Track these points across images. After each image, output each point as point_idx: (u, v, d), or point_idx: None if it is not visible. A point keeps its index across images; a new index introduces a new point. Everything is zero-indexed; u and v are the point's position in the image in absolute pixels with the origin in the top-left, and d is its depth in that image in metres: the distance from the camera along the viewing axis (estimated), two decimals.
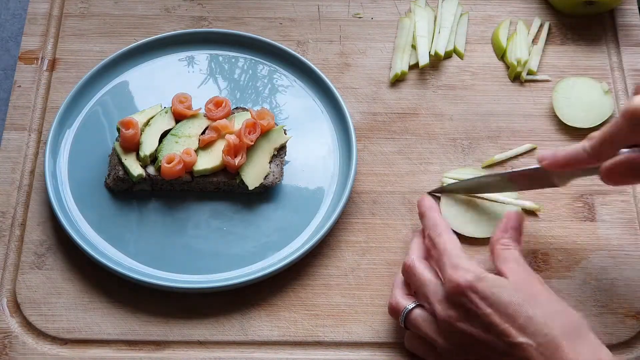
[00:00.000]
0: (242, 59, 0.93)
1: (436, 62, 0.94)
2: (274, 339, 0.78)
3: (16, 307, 0.79)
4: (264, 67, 0.92)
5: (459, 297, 0.68)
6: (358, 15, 0.97)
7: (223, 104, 0.86)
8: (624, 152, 0.69)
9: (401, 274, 0.76)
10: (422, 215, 0.78)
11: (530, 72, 0.93)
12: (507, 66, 0.93)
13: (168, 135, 0.84)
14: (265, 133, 0.84)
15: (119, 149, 0.83)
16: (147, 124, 0.85)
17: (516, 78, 0.93)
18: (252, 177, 0.82)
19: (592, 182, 0.85)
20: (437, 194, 0.84)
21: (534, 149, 0.88)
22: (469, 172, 0.85)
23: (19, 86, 0.91)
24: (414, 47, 0.94)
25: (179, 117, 0.85)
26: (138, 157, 0.83)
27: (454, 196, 0.84)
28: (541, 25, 0.96)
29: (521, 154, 0.88)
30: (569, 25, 0.97)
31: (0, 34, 1.01)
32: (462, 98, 0.91)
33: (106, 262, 0.78)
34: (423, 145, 0.88)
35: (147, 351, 0.77)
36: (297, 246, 0.81)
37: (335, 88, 0.89)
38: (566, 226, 0.83)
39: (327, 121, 0.88)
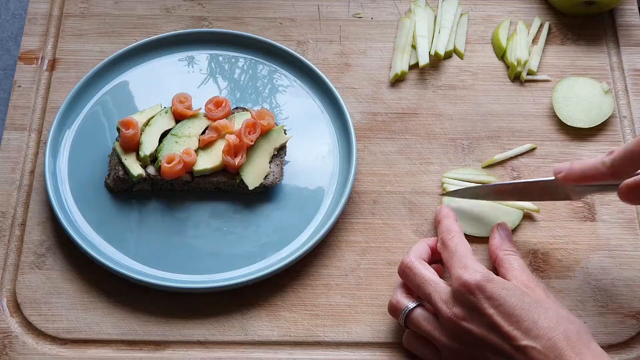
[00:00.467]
0: (242, 59, 0.93)
1: (436, 62, 0.94)
2: (274, 339, 0.77)
3: (16, 307, 0.79)
4: (264, 67, 0.92)
5: (466, 295, 0.69)
6: (358, 15, 0.97)
7: (223, 104, 0.86)
8: None
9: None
10: (438, 223, 0.79)
11: (530, 72, 0.93)
12: (507, 66, 0.93)
13: (168, 135, 0.84)
14: (265, 133, 0.84)
15: (119, 149, 0.83)
16: (147, 124, 0.85)
17: (516, 78, 0.93)
18: (252, 177, 0.82)
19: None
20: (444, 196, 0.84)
21: (534, 149, 0.88)
22: (468, 172, 0.85)
23: (19, 86, 0.91)
24: (414, 47, 0.94)
25: (179, 117, 0.85)
26: (138, 157, 0.83)
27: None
28: (541, 25, 0.96)
29: (521, 154, 0.88)
30: (569, 25, 0.97)
31: (0, 34, 1.01)
32: (462, 98, 0.91)
33: (106, 262, 0.78)
34: (423, 145, 0.88)
35: (147, 351, 0.77)
36: (297, 246, 0.81)
37: (335, 88, 0.89)
38: (566, 226, 0.83)
39: (327, 121, 0.88)
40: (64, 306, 0.79)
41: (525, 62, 0.92)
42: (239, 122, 0.85)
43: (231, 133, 0.83)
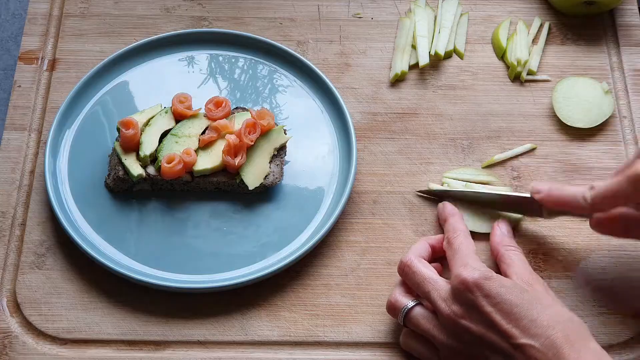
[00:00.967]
0: (242, 59, 0.93)
1: (436, 62, 0.94)
2: (274, 339, 0.77)
3: (16, 307, 0.79)
4: (264, 67, 0.92)
5: (464, 293, 0.69)
6: (358, 15, 0.97)
7: (223, 104, 0.86)
8: (619, 209, 0.72)
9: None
10: (444, 221, 0.80)
11: (530, 72, 0.93)
12: (507, 66, 0.93)
13: (168, 135, 0.84)
14: (265, 133, 0.84)
15: (119, 149, 0.83)
16: (147, 124, 0.85)
17: (516, 78, 0.93)
18: (252, 177, 0.82)
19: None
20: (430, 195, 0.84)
21: (534, 149, 0.88)
22: (469, 172, 0.85)
23: (19, 86, 0.91)
24: (414, 47, 0.94)
25: (179, 117, 0.85)
26: (138, 157, 0.83)
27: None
28: (541, 25, 0.96)
29: (521, 154, 0.88)
30: (569, 25, 0.97)
31: (0, 34, 1.01)
32: (462, 98, 0.91)
33: (106, 262, 0.78)
34: (423, 145, 0.88)
35: (147, 351, 0.77)
36: (297, 246, 0.81)
37: (335, 88, 0.89)
38: (566, 226, 0.83)
39: (327, 121, 0.88)
40: (64, 306, 0.79)
41: (525, 62, 0.92)
42: (239, 122, 0.85)
43: (231, 133, 0.83)
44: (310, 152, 0.87)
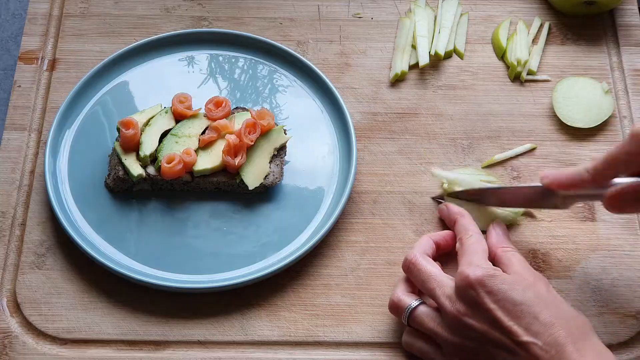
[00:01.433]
0: (242, 59, 0.93)
1: (436, 62, 0.94)
2: (274, 339, 0.78)
3: (16, 307, 0.79)
4: (264, 67, 0.92)
5: (468, 290, 0.69)
6: (358, 15, 0.97)
7: (223, 104, 0.86)
8: (629, 181, 0.69)
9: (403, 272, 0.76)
10: (453, 222, 0.80)
11: (530, 72, 0.93)
12: (507, 66, 0.93)
13: (168, 135, 0.84)
14: (265, 133, 0.84)
15: (119, 149, 0.83)
16: (147, 124, 0.85)
17: (516, 78, 0.93)
18: (252, 177, 0.82)
19: None
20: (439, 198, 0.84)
21: (534, 149, 0.88)
22: (468, 172, 0.85)
23: (19, 86, 0.91)
24: (414, 47, 0.94)
25: (179, 117, 0.85)
26: (138, 157, 0.83)
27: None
28: (541, 25, 0.96)
29: (521, 154, 0.88)
30: (569, 25, 0.97)
31: (0, 34, 1.01)
32: (462, 98, 0.91)
33: (106, 262, 0.78)
34: (423, 145, 0.88)
35: (147, 351, 0.77)
36: (297, 246, 0.81)
37: (335, 88, 0.89)
38: (566, 226, 0.83)
39: (327, 121, 0.88)
40: (64, 306, 0.79)
41: (525, 62, 0.92)
42: (239, 122, 0.85)
43: (231, 133, 0.83)
44: (310, 152, 0.87)
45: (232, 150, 0.82)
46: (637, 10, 0.97)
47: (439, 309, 0.72)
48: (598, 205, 0.84)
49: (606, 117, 0.88)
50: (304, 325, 0.78)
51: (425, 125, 0.89)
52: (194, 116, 0.85)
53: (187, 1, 0.98)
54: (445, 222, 0.82)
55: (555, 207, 0.77)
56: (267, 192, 0.84)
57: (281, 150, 0.85)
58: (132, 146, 0.83)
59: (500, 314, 0.68)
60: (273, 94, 0.91)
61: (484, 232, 0.81)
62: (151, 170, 0.83)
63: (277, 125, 0.85)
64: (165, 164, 0.81)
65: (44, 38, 0.95)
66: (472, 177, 0.83)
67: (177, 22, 0.96)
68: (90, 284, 0.80)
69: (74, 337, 0.77)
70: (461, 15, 0.97)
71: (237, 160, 0.82)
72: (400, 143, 0.88)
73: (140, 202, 0.83)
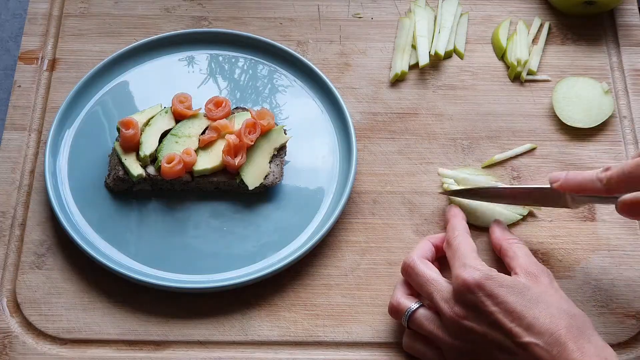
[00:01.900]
0: (242, 59, 0.93)
1: (436, 62, 0.94)
2: (274, 339, 0.77)
3: (16, 307, 0.79)
4: (264, 67, 0.92)
5: (466, 294, 0.69)
6: (358, 15, 0.97)
7: (223, 104, 0.86)
8: None
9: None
10: (447, 223, 0.80)
11: (530, 72, 0.93)
12: (507, 66, 0.93)
13: (168, 135, 0.84)
14: (265, 133, 0.84)
15: (119, 149, 0.83)
16: (147, 124, 0.85)
17: (516, 78, 0.93)
18: (252, 177, 0.82)
19: None
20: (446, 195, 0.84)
21: (534, 149, 0.88)
22: (469, 172, 0.85)
23: (19, 86, 0.91)
24: (414, 47, 0.94)
25: (179, 117, 0.85)
26: (138, 157, 0.83)
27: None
28: (541, 25, 0.96)
29: (521, 154, 0.88)
30: (569, 25, 0.97)
31: (0, 34, 1.01)
32: (462, 98, 0.91)
33: (106, 262, 0.78)
34: (423, 145, 0.88)
35: (147, 351, 0.77)
36: (297, 246, 0.81)
37: (335, 88, 0.89)
38: (566, 226, 0.83)
39: (327, 121, 0.88)
40: (64, 306, 0.79)
41: (525, 62, 0.92)
42: (239, 122, 0.85)
43: (231, 133, 0.83)
44: (310, 152, 0.87)
45: (232, 150, 0.82)
46: (637, 10, 0.97)
47: (438, 312, 0.72)
48: (598, 205, 0.84)
49: (606, 117, 0.88)
50: (304, 325, 0.78)
51: (425, 125, 0.89)
52: (194, 116, 0.86)
53: (187, 1, 0.98)
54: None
55: (566, 206, 0.77)
56: (267, 192, 0.84)
57: (281, 150, 0.85)
58: (132, 146, 0.83)
59: (501, 316, 0.67)
60: (273, 94, 0.91)
61: (485, 228, 0.81)
62: (151, 170, 0.83)
63: (277, 125, 0.85)
64: (165, 164, 0.81)
65: (44, 38, 0.95)
66: (478, 177, 0.83)
67: (177, 22, 0.96)
68: (90, 284, 0.80)
69: (74, 337, 0.77)
70: (461, 15, 0.97)
71: (237, 160, 0.82)
72: (401, 143, 0.88)
73: (140, 202, 0.83)
